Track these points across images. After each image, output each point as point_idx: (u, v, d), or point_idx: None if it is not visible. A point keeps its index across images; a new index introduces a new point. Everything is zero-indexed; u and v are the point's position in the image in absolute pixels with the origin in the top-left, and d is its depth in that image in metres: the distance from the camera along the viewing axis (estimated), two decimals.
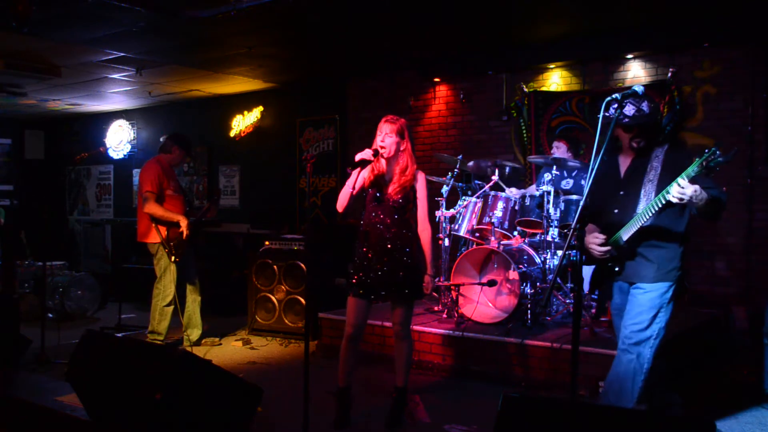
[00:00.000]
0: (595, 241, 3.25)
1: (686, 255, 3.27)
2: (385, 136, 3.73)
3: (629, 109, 3.12)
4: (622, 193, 3.27)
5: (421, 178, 3.83)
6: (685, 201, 2.85)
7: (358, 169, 3.66)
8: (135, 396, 2.77)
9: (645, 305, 3.20)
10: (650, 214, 3.03)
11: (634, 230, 3.13)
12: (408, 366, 3.90)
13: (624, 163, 3.33)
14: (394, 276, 3.73)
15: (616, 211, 3.27)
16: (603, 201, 3.31)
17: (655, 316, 3.19)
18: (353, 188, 3.72)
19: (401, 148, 3.77)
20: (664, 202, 2.93)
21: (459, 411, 4.14)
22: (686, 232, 3.28)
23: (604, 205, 3.32)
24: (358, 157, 3.66)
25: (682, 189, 2.83)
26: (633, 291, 3.27)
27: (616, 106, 3.08)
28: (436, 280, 5.86)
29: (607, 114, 3.14)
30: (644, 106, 3.13)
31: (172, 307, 5.63)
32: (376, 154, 3.70)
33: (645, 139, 3.21)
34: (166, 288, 5.60)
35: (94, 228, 10.88)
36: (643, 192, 3.17)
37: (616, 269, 3.27)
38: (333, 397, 3.93)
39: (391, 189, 3.77)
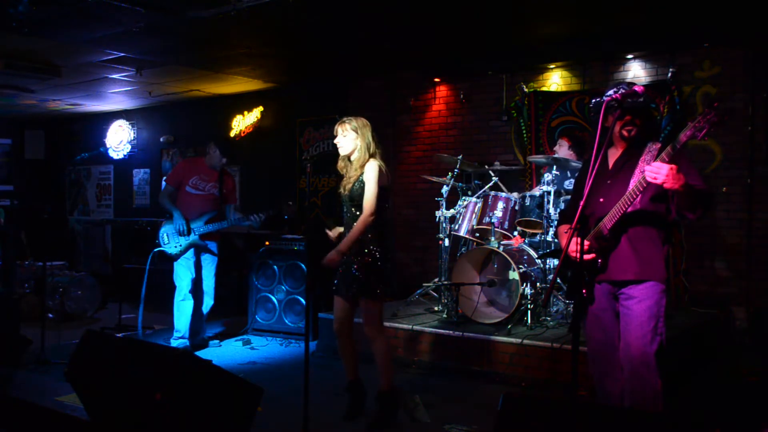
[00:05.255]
0: (575, 244, 2.98)
1: (675, 256, 3.09)
2: (340, 137, 3.83)
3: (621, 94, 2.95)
4: (609, 182, 3.08)
5: (370, 166, 3.76)
6: (659, 181, 2.71)
7: None
8: (135, 396, 2.77)
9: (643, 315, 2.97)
10: (633, 198, 2.87)
11: (618, 216, 2.94)
12: (385, 368, 3.85)
13: (613, 155, 3.16)
14: (352, 273, 3.77)
15: (601, 200, 3.07)
16: (590, 195, 3.04)
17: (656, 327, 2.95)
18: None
19: (357, 144, 3.82)
20: (645, 183, 2.80)
21: (459, 411, 4.14)
22: (667, 235, 3.08)
23: (592, 198, 3.08)
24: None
25: (657, 167, 2.70)
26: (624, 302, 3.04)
27: (610, 92, 2.98)
28: (436, 280, 5.86)
29: (596, 99, 3.08)
30: (637, 89, 2.97)
31: (188, 302, 5.58)
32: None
33: (637, 128, 3.02)
34: (178, 282, 5.61)
35: (94, 228, 10.88)
36: (633, 182, 2.96)
37: (599, 263, 3.04)
38: (346, 390, 4.01)
39: (349, 185, 3.83)
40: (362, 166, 3.78)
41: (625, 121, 3.01)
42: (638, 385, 2.97)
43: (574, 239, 2.88)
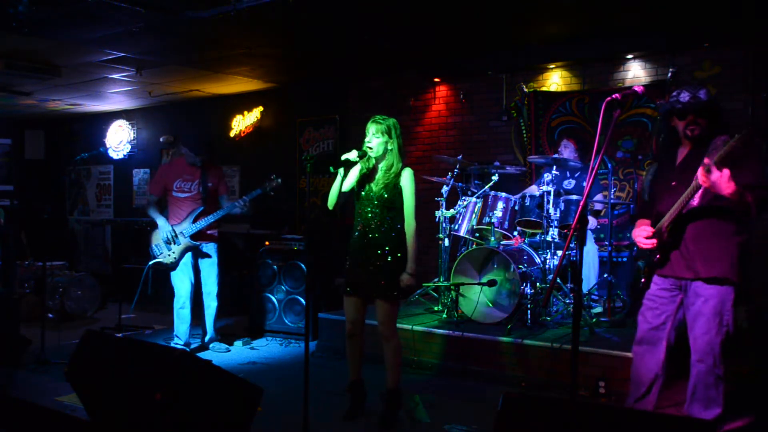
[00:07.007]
0: (642, 233, 3.18)
1: (746, 255, 3.08)
2: (372, 137, 3.79)
3: (684, 96, 3.05)
4: (674, 183, 3.14)
5: (406, 174, 3.83)
6: (708, 185, 2.77)
7: (343, 169, 3.77)
8: (135, 396, 2.77)
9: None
10: (686, 201, 2.93)
11: (674, 216, 3.03)
12: (395, 368, 3.88)
13: (681, 154, 3.23)
14: (374, 273, 3.77)
15: (666, 200, 3.16)
16: (657, 195, 3.24)
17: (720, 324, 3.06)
18: (341, 186, 3.83)
19: (388, 148, 3.81)
20: (696, 189, 2.87)
21: (459, 411, 4.14)
22: (739, 226, 3.09)
23: (658, 197, 3.24)
24: (343, 157, 3.74)
25: (706, 173, 2.76)
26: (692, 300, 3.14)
27: (674, 93, 3.05)
28: (436, 280, 5.86)
29: (661, 102, 3.12)
30: (701, 93, 3.06)
31: (186, 310, 5.55)
32: (362, 154, 3.77)
33: (700, 127, 3.07)
34: (176, 289, 5.56)
35: (94, 228, 10.88)
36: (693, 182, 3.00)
37: (656, 258, 3.16)
38: (347, 390, 4.01)
39: (376, 187, 3.81)
40: (397, 173, 3.80)
41: (688, 120, 3.09)
42: (703, 369, 3.12)
43: (640, 228, 3.18)
